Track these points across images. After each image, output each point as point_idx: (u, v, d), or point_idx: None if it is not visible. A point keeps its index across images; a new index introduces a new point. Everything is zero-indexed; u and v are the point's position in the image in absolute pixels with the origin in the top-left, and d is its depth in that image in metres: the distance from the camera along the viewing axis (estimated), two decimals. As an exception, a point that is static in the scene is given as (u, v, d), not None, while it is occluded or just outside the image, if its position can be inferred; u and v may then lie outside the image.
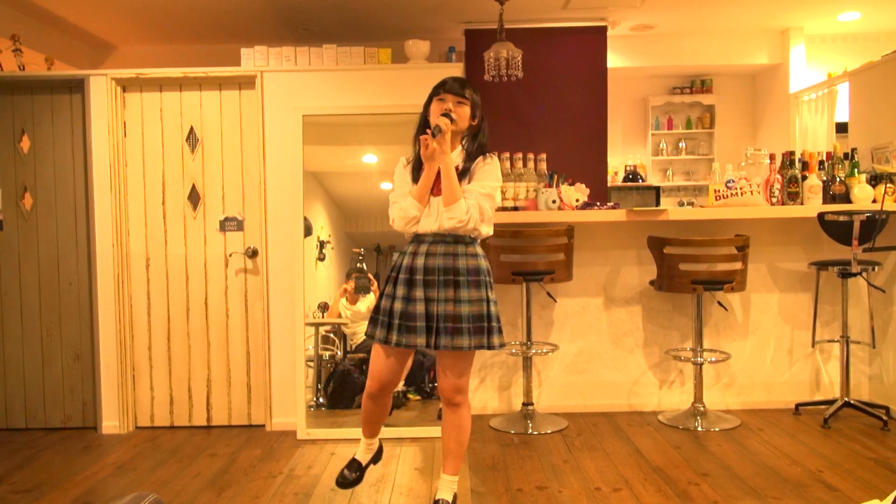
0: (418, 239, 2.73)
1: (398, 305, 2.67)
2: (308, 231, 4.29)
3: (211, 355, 4.35)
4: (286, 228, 4.20)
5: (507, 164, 4.23)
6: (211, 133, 4.32)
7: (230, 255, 4.32)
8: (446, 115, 2.70)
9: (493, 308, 2.68)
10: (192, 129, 4.31)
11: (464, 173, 2.73)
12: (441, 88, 2.76)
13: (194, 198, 4.32)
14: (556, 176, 4.24)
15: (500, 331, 2.68)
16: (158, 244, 4.33)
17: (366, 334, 2.92)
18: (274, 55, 4.22)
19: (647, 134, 8.06)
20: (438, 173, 2.71)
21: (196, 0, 5.02)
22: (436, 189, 2.73)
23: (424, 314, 2.64)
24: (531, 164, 4.25)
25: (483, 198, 2.69)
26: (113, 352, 4.29)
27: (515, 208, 4.19)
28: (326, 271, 4.49)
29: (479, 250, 2.74)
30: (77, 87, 4.29)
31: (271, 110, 4.21)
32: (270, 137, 4.21)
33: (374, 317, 2.75)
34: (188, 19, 5.45)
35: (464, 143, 2.82)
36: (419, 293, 2.65)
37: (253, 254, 4.31)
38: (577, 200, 4.13)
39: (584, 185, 4.21)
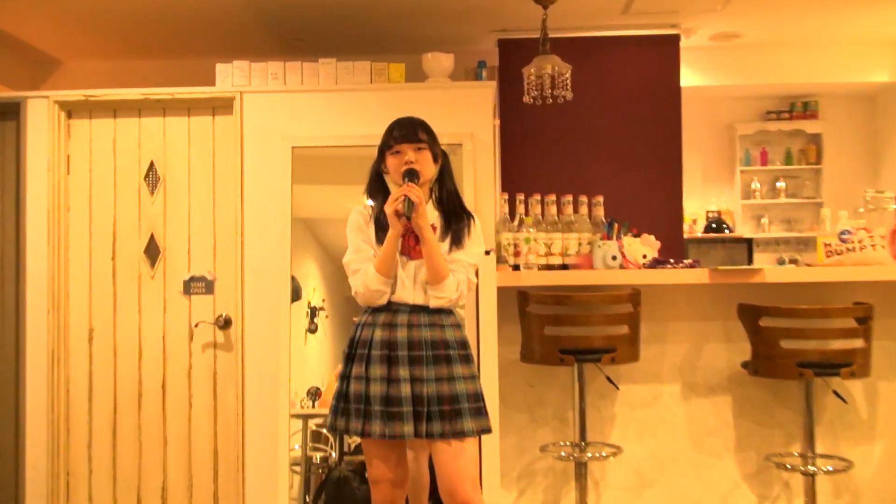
0: (392, 308, 2.86)
1: (376, 388, 2.77)
2: (296, 295, 4.28)
3: (168, 455, 4.32)
4: (269, 291, 4.21)
5: (553, 209, 4.22)
6: (176, 170, 4.38)
7: (196, 326, 4.33)
8: (411, 173, 2.86)
9: (480, 386, 2.88)
10: (152, 164, 4.38)
11: (444, 233, 2.90)
12: (390, 139, 2.93)
13: (153, 251, 4.36)
14: (616, 225, 4.22)
15: (488, 413, 2.86)
16: (106, 311, 4.35)
17: (328, 427, 3.05)
18: (257, 72, 4.30)
19: (734, 171, 8.05)
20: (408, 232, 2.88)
21: (161, 4, 5.15)
22: (406, 248, 2.88)
23: (411, 397, 2.75)
24: (584, 210, 4.24)
25: (471, 268, 2.91)
26: (42, 450, 4.27)
27: (564, 266, 4.15)
28: (319, 347, 4.47)
29: (459, 318, 2.96)
30: (10, 112, 4.38)
31: (253, 141, 4.26)
32: (251, 175, 4.26)
33: (341, 406, 2.86)
34: (151, 28, 5.58)
35: (432, 194, 3.00)
36: (403, 372, 2.78)
37: (225, 324, 4.32)
38: (645, 257, 4.09)
39: (653, 237, 4.17)
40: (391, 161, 2.92)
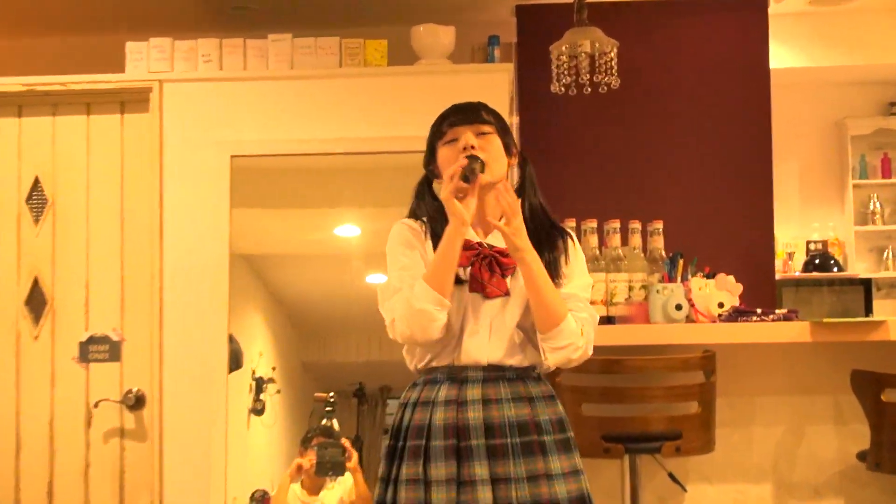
0: (457, 374, 2.77)
1: (441, 496, 2.66)
2: (236, 362, 4.29)
3: (56, 588, 4.30)
4: (197, 357, 4.22)
5: (594, 239, 4.24)
6: (70, 189, 4.41)
7: (96, 406, 4.33)
8: (473, 160, 2.74)
9: (587, 484, 2.80)
10: (37, 182, 4.42)
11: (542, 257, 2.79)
12: (444, 125, 2.85)
13: (37, 302, 4.38)
14: (681, 262, 4.23)
15: None
16: (-30, 385, 4.36)
17: None
18: (183, 53, 4.34)
19: (845, 185, 8.08)
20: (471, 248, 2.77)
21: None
22: (477, 282, 2.76)
23: None
24: (636, 241, 4.25)
25: (589, 307, 2.86)
26: None
27: (609, 320, 4.15)
28: (267, 433, 4.46)
29: (551, 388, 2.86)
30: None
31: (177, 148, 4.30)
32: (175, 196, 4.28)
33: None
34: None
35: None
36: (480, 470, 2.67)
37: (137, 403, 4.32)
38: (722, 306, 4.09)
39: (732, 279, 4.18)
40: (444, 153, 2.83)
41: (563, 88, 4.87)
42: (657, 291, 4.08)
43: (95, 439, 4.34)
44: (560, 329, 2.72)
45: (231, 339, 4.21)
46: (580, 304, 2.81)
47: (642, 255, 4.24)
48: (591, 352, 2.82)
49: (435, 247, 2.78)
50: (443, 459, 2.68)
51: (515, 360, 2.77)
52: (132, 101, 4.38)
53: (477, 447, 2.68)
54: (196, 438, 4.20)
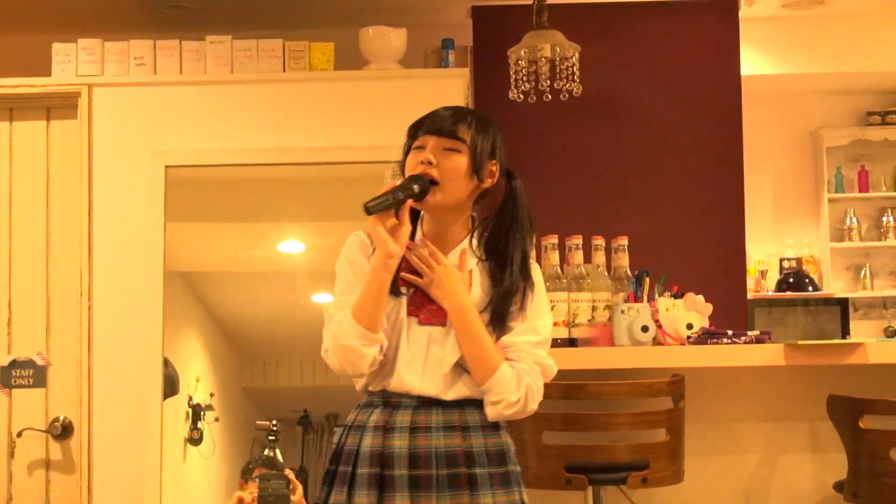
0: (389, 401, 2.77)
1: None
2: (171, 388, 4.26)
3: None
4: (129, 383, 4.19)
5: (554, 256, 4.24)
6: (-11, 200, 4.38)
7: (19, 435, 4.29)
8: (415, 179, 2.72)
9: None
10: (-48, 192, 4.38)
11: (485, 304, 2.78)
12: (419, 127, 2.82)
13: (-47, 323, 4.33)
14: (647, 280, 4.25)
15: None
16: None
17: None
18: (115, 55, 4.31)
19: (820, 199, 8.15)
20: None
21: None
22: (414, 306, 2.76)
23: None
24: (600, 258, 4.25)
25: (541, 357, 2.80)
26: None
27: (571, 342, 4.16)
28: (205, 464, 4.43)
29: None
30: None
31: (108, 157, 4.27)
32: (105, 208, 4.25)
33: None
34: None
35: (476, 231, 2.86)
36: (402, 501, 2.68)
37: (64, 432, 4.28)
38: (691, 327, 4.11)
39: (702, 298, 4.20)
40: (409, 159, 2.79)
41: (521, 95, 4.88)
42: (622, 312, 4.09)
43: (19, 471, 4.30)
44: (492, 382, 2.71)
45: (166, 363, 4.18)
46: (522, 354, 2.76)
47: (606, 273, 4.24)
48: (533, 406, 2.77)
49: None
50: (365, 488, 2.69)
51: (451, 395, 2.75)
52: (59, 106, 4.36)
53: (400, 477, 2.68)
54: (128, 470, 4.16)
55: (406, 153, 2.83)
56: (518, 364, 2.74)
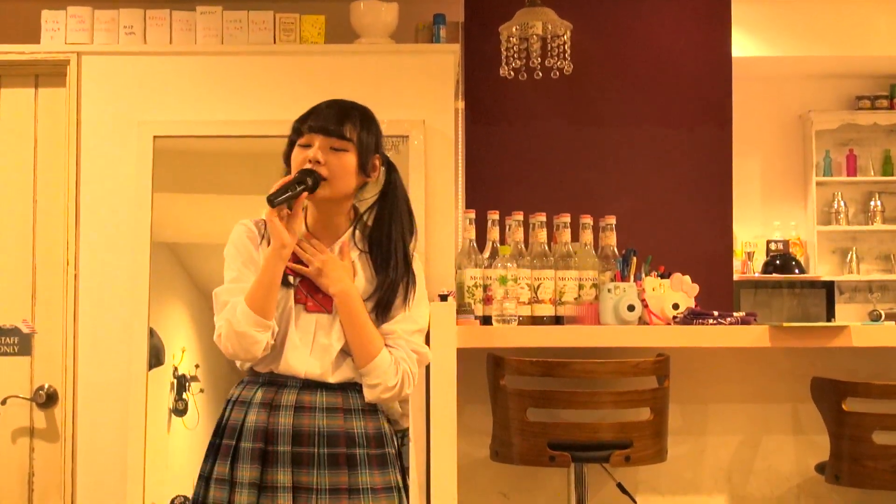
0: (276, 381, 2.89)
1: (242, 498, 2.78)
2: (157, 358, 4.24)
3: None
4: (114, 352, 4.18)
5: (542, 234, 4.23)
6: (-23, 168, 4.36)
7: (4, 403, 4.28)
8: (306, 174, 2.85)
9: (404, 502, 2.94)
10: (-62, 159, 4.36)
11: (370, 293, 2.92)
12: (303, 125, 2.93)
13: (-62, 290, 4.32)
14: (634, 260, 4.24)
15: None
16: None
17: None
18: (104, 24, 4.28)
19: (808, 183, 8.16)
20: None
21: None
22: (301, 295, 2.90)
23: None
24: (587, 237, 4.25)
25: (417, 337, 3.00)
26: None
27: (557, 320, 4.15)
28: (189, 435, 4.42)
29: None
30: None
31: (96, 126, 4.25)
32: (92, 178, 4.24)
33: None
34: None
35: (358, 224, 3.00)
36: (283, 477, 2.80)
37: (48, 400, 4.28)
38: (677, 307, 4.11)
39: (688, 279, 4.20)
40: (295, 154, 2.93)
41: (512, 73, 4.88)
42: (609, 291, 4.08)
43: (2, 438, 4.30)
44: (372, 366, 2.88)
45: (152, 334, 4.17)
46: (401, 342, 2.93)
47: (593, 252, 4.24)
48: (408, 390, 2.96)
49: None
50: (249, 462, 2.81)
51: (335, 378, 2.89)
52: (48, 74, 4.33)
53: (283, 453, 2.81)
54: (112, 440, 4.16)
55: (290, 147, 2.97)
56: (396, 351, 2.91)
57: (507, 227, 4.24)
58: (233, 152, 4.29)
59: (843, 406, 3.87)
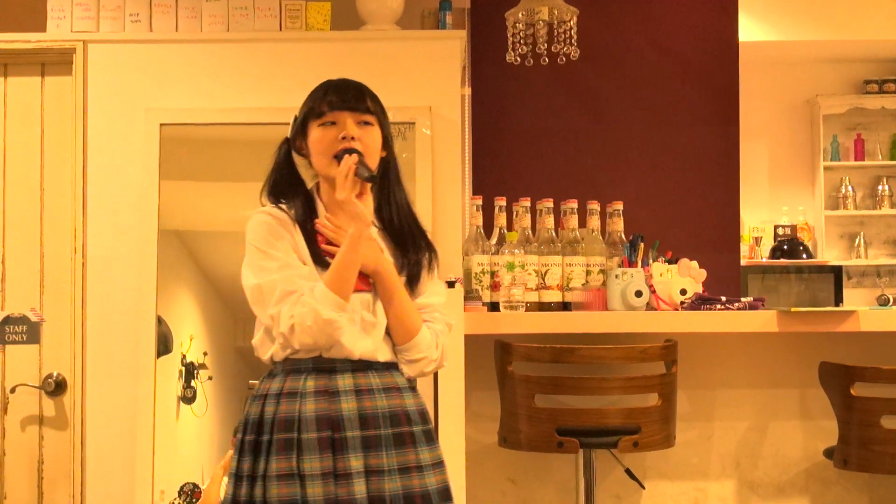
0: (321, 366, 2.80)
1: (317, 490, 2.69)
2: (165, 346, 4.25)
3: (-34, 588, 4.26)
4: (122, 340, 4.18)
5: (549, 220, 4.23)
6: (-17, 156, 4.37)
7: (13, 391, 4.29)
8: (351, 151, 2.80)
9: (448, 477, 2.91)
10: (-55, 147, 4.36)
11: (398, 269, 2.89)
12: (322, 104, 2.87)
13: (-54, 279, 4.32)
14: (642, 245, 4.24)
15: None
16: None
17: None
18: (110, 12, 4.27)
19: (816, 167, 8.14)
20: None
21: None
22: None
23: (366, 501, 2.70)
24: (594, 223, 4.25)
25: (448, 316, 2.99)
26: None
27: (565, 306, 4.16)
28: (198, 422, 4.43)
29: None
30: None
31: (103, 114, 4.24)
32: (99, 166, 4.23)
33: None
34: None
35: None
36: (356, 462, 2.73)
37: (57, 388, 4.28)
38: (684, 293, 4.11)
39: (696, 264, 4.20)
40: (318, 134, 2.86)
41: (518, 58, 4.86)
42: (616, 277, 4.09)
43: (12, 426, 4.29)
44: (415, 342, 2.85)
45: (160, 321, 4.16)
46: (437, 315, 2.92)
47: (601, 237, 4.25)
48: (445, 363, 2.96)
49: (305, 237, 2.85)
50: (317, 452, 2.73)
51: (384, 356, 2.84)
52: (54, 62, 4.32)
53: (352, 439, 2.74)
54: (121, 427, 4.15)
55: (304, 123, 2.91)
56: (434, 325, 2.90)
57: (515, 214, 4.24)
58: (239, 139, 4.28)
59: (852, 391, 3.87)
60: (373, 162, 2.86)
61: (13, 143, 4.35)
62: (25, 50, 4.28)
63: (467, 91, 5.15)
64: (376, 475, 2.73)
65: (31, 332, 4.27)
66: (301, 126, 2.91)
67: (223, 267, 4.51)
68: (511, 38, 4.85)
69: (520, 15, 4.82)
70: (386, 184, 2.96)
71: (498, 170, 5.60)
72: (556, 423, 3.87)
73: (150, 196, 4.16)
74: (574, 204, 4.25)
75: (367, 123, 2.85)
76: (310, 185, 2.97)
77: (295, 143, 2.94)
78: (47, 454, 4.29)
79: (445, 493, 2.81)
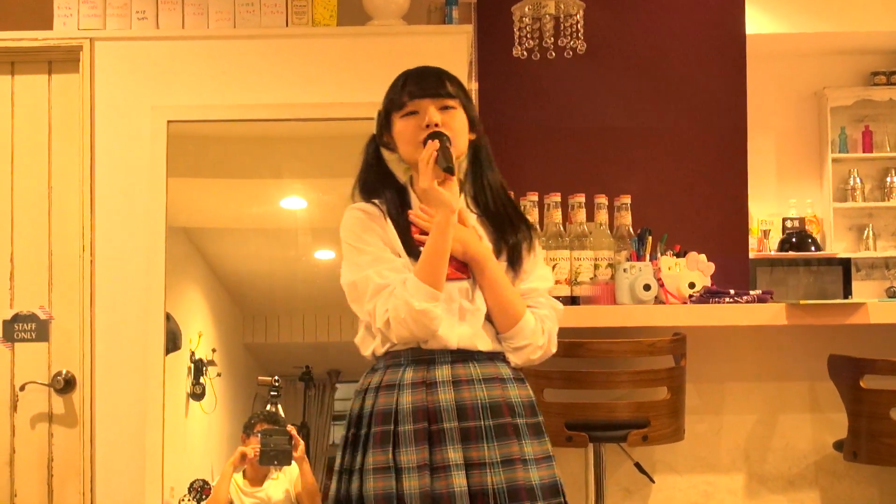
0: (420, 357, 2.76)
1: (413, 483, 2.64)
2: (174, 343, 4.25)
3: (-23, 585, 4.27)
4: (131, 337, 4.19)
5: (557, 214, 4.23)
6: (-9, 154, 4.38)
7: (22, 389, 4.30)
8: (437, 135, 2.76)
9: (558, 472, 2.82)
10: (-47, 147, 4.37)
11: (496, 252, 2.85)
12: (403, 95, 2.84)
13: (-45, 277, 4.33)
14: (650, 239, 4.24)
15: None
16: None
17: None
18: (117, 9, 4.28)
19: (824, 160, 8.13)
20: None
21: None
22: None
23: (468, 494, 2.65)
24: (602, 217, 4.25)
25: (556, 301, 2.93)
26: None
27: (573, 300, 4.16)
28: (207, 419, 4.44)
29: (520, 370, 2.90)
30: None
31: (110, 112, 4.26)
32: (107, 162, 4.25)
33: None
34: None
35: (462, 187, 2.89)
36: (454, 454, 2.68)
37: (66, 386, 4.29)
38: (693, 286, 4.10)
39: (704, 258, 4.19)
40: (401, 126, 2.84)
41: (525, 53, 4.85)
42: (624, 270, 4.08)
43: (21, 424, 4.31)
44: (518, 329, 2.80)
45: (168, 318, 4.18)
46: (541, 300, 2.87)
47: (609, 231, 4.24)
48: (553, 349, 2.88)
49: (398, 230, 2.81)
50: (413, 444, 2.68)
51: (485, 345, 2.78)
52: (61, 60, 4.33)
53: (449, 430, 2.69)
54: (130, 424, 4.17)
55: (387, 116, 2.89)
56: (538, 310, 2.83)
57: (523, 208, 4.23)
58: (247, 136, 4.29)
59: (861, 383, 3.86)
60: (461, 145, 2.85)
61: (21, 141, 4.36)
62: (32, 48, 4.29)
63: (474, 86, 5.15)
64: (478, 468, 2.67)
65: (40, 329, 4.29)
66: (385, 120, 2.90)
67: (231, 263, 4.53)
68: (517, 33, 4.84)
69: (526, 9, 4.81)
70: (478, 169, 2.94)
71: (505, 164, 5.53)
72: (565, 417, 3.87)
73: (158, 193, 4.17)
74: (582, 198, 4.24)
75: (449, 108, 2.83)
76: (404, 178, 2.94)
77: (381, 138, 2.92)
78: (57, 451, 4.30)
79: (554, 490, 2.75)
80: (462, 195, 2.87)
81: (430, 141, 2.75)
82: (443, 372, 2.74)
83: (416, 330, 2.70)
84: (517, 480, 2.67)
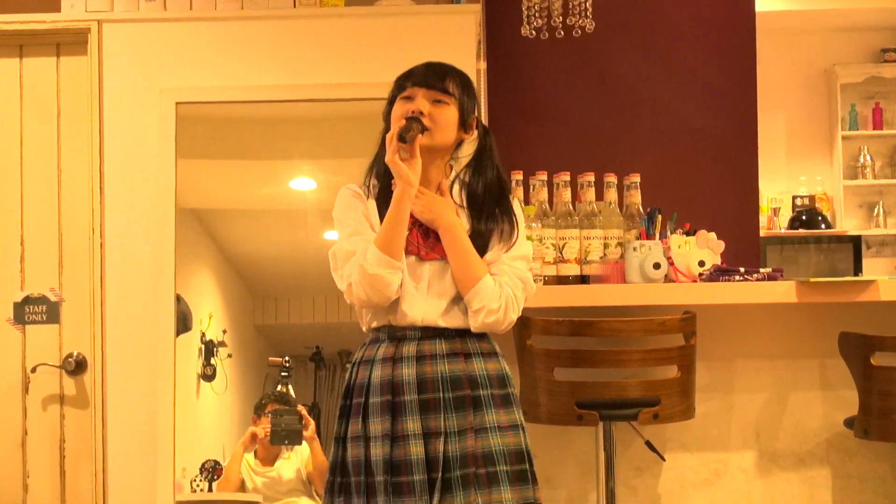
0: (394, 333, 3.00)
1: (378, 451, 2.89)
2: (184, 324, 4.26)
3: (-8, 566, 4.29)
4: (142, 319, 4.21)
5: (566, 194, 4.23)
6: (2, 137, 4.37)
7: (34, 371, 4.31)
8: (411, 119, 2.95)
9: (527, 440, 3.06)
10: (-37, 129, 4.37)
11: (473, 238, 3.02)
12: (409, 79, 3.04)
13: (-35, 259, 4.34)
14: (659, 218, 4.23)
15: (537, 479, 3.07)
16: None
17: None
18: (125, -9, 4.30)
19: (834, 137, 8.11)
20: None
21: None
22: (413, 244, 3.00)
23: (425, 461, 2.89)
24: (612, 196, 4.24)
25: (521, 266, 3.10)
26: None
27: (583, 279, 4.16)
28: (218, 400, 4.45)
29: (495, 345, 3.11)
30: None
31: (118, 94, 4.25)
32: (116, 145, 4.25)
33: (338, 481, 3.01)
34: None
35: (458, 173, 3.14)
36: (412, 425, 2.92)
37: (77, 367, 4.30)
38: (703, 264, 4.10)
39: (714, 236, 4.19)
40: (396, 108, 3.03)
41: (533, 32, 4.85)
42: (634, 249, 4.08)
43: (33, 406, 4.32)
44: (475, 291, 2.96)
45: (178, 300, 4.19)
46: (504, 268, 3.02)
47: (618, 210, 4.23)
48: (513, 316, 3.03)
49: (379, 208, 3.04)
50: (379, 415, 2.92)
51: (452, 322, 2.98)
52: (69, 42, 4.33)
53: (410, 402, 2.92)
54: (141, 405, 4.18)
55: (391, 102, 3.07)
56: (499, 276, 3.00)
57: (532, 187, 4.24)
58: (256, 117, 4.29)
59: (872, 361, 3.86)
60: (442, 139, 3.02)
61: (29, 124, 4.37)
62: (40, 30, 4.30)
63: (483, 65, 5.15)
64: (435, 437, 2.90)
65: (51, 311, 4.31)
66: (389, 102, 3.07)
67: (241, 245, 4.53)
68: (526, 12, 4.83)
69: (535, -11, 4.80)
70: (478, 163, 3.13)
71: (514, 144, 5.58)
72: (575, 396, 3.87)
73: (167, 175, 4.17)
74: (591, 177, 4.24)
75: (440, 102, 3.00)
76: None
77: (386, 119, 3.09)
78: (69, 433, 4.32)
79: (520, 456, 3.00)
80: (451, 183, 3.12)
81: (404, 122, 2.94)
82: (409, 348, 2.98)
83: (370, 294, 2.92)
84: (469, 448, 2.89)
